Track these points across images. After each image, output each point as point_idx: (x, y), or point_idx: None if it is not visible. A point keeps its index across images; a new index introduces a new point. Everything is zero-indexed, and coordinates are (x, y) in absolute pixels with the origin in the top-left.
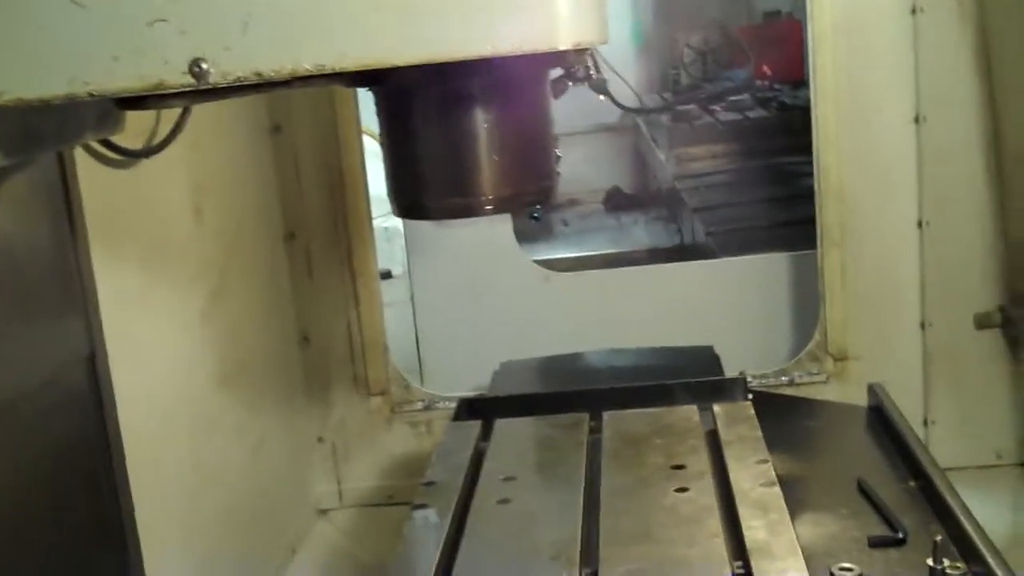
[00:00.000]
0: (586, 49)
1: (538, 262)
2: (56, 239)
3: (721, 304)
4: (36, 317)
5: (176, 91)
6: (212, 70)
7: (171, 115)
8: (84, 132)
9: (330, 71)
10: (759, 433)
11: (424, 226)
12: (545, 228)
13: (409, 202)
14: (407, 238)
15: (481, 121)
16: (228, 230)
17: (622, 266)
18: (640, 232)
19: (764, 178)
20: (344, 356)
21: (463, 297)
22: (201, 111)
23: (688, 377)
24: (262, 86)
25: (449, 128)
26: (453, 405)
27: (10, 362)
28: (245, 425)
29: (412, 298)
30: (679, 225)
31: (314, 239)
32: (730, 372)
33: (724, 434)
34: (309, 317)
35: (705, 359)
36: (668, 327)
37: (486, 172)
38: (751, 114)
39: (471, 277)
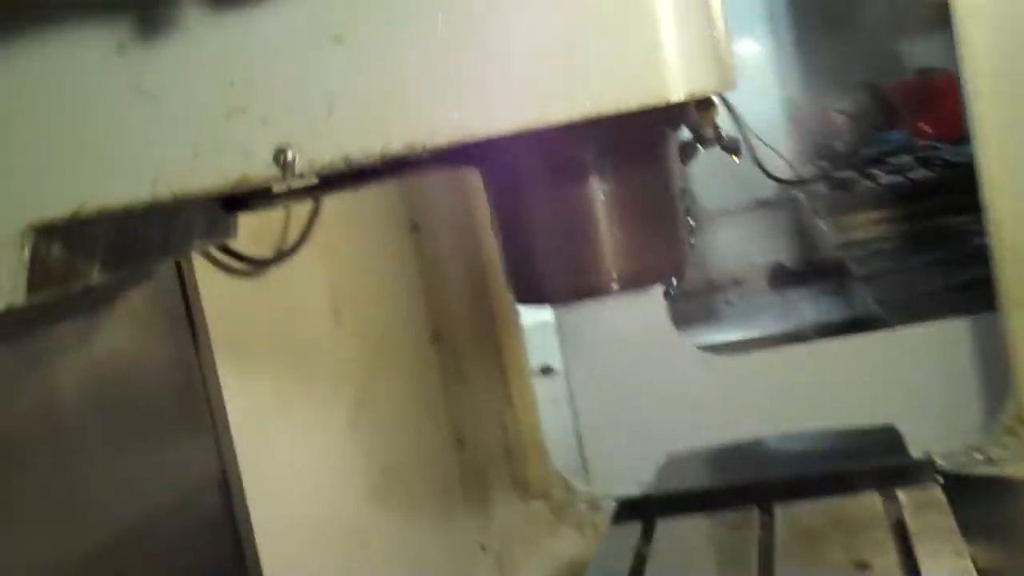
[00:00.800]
0: (711, 105)
1: (702, 347)
2: (179, 355)
3: (898, 377)
4: (162, 439)
5: (277, 190)
6: (298, 158)
7: (300, 218)
8: (191, 240)
9: (422, 150)
10: (952, 522)
11: (576, 318)
12: (707, 310)
13: (526, 286)
14: (559, 331)
15: (597, 192)
16: (371, 333)
17: (792, 343)
18: (807, 307)
19: (933, 240)
20: (501, 458)
21: (623, 389)
22: (334, 212)
23: (868, 460)
24: (361, 177)
25: (561, 202)
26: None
27: (138, 486)
28: (402, 537)
29: (570, 393)
30: (848, 297)
31: (461, 338)
32: (914, 452)
33: (913, 524)
34: (462, 419)
35: (886, 439)
36: (842, 406)
37: (607, 248)
38: (912, 175)
39: (629, 367)
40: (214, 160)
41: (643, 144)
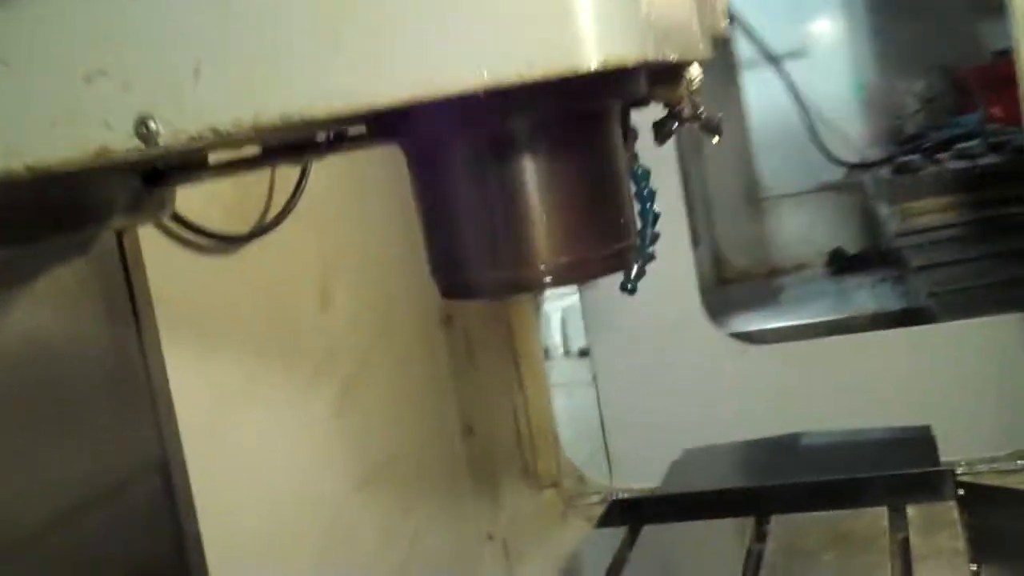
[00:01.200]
0: (680, 76)
1: (753, 332)
2: (115, 335)
3: (943, 374)
4: (89, 424)
5: (213, 162)
6: (162, 130)
7: (286, 190)
8: (109, 216)
9: (299, 121)
10: (962, 544)
11: (603, 300)
12: (760, 297)
13: (449, 279)
14: (584, 315)
15: (524, 172)
16: (366, 316)
17: (842, 334)
18: (864, 296)
19: (995, 231)
20: (511, 447)
21: (650, 376)
22: (328, 183)
23: (891, 467)
24: (299, 149)
25: (484, 183)
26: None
27: (59, 473)
28: (396, 528)
29: (595, 379)
30: (904, 287)
31: (473, 321)
32: (953, 456)
33: (917, 545)
34: (472, 405)
35: (917, 443)
36: (882, 403)
37: (536, 236)
38: (981, 161)
39: (658, 353)
40: (72, 130)
41: (580, 119)
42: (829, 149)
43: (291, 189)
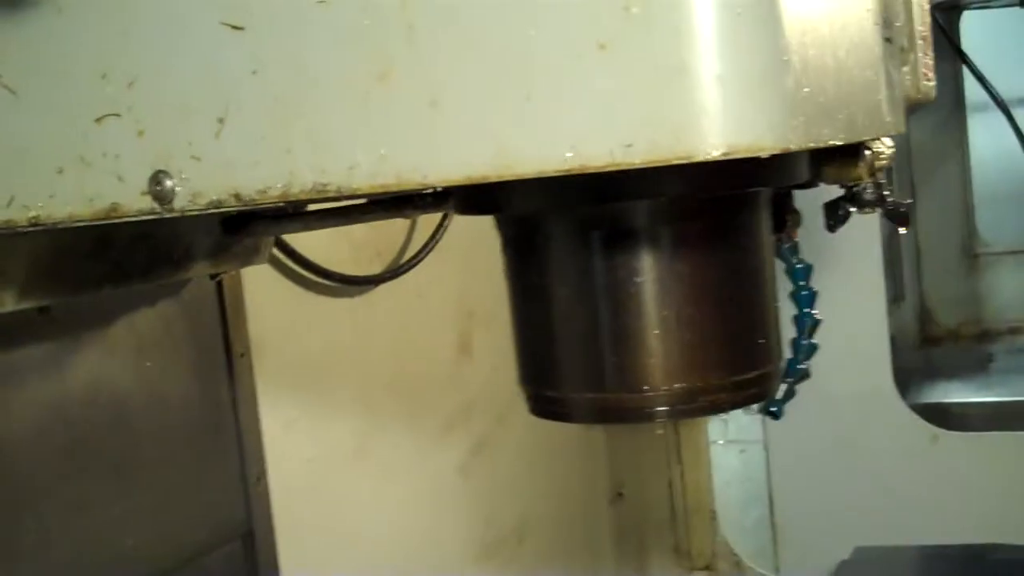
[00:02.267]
0: (860, 156)
1: (951, 405)
2: (203, 387)
3: None
4: (170, 483)
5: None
6: (179, 189)
7: (428, 224)
8: (189, 264)
9: (335, 193)
10: None
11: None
12: (967, 363)
13: (538, 394)
14: None
15: (643, 274)
16: (508, 366)
17: None
18: None
19: None
20: (663, 518)
21: (828, 451)
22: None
23: None
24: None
25: (588, 284)
26: None
27: (135, 536)
28: None
29: (766, 449)
30: None
31: None
32: None
33: None
34: (624, 469)
35: None
36: None
37: (649, 355)
38: None
39: (839, 427)
40: (80, 180)
41: (713, 208)
42: None
43: (434, 224)
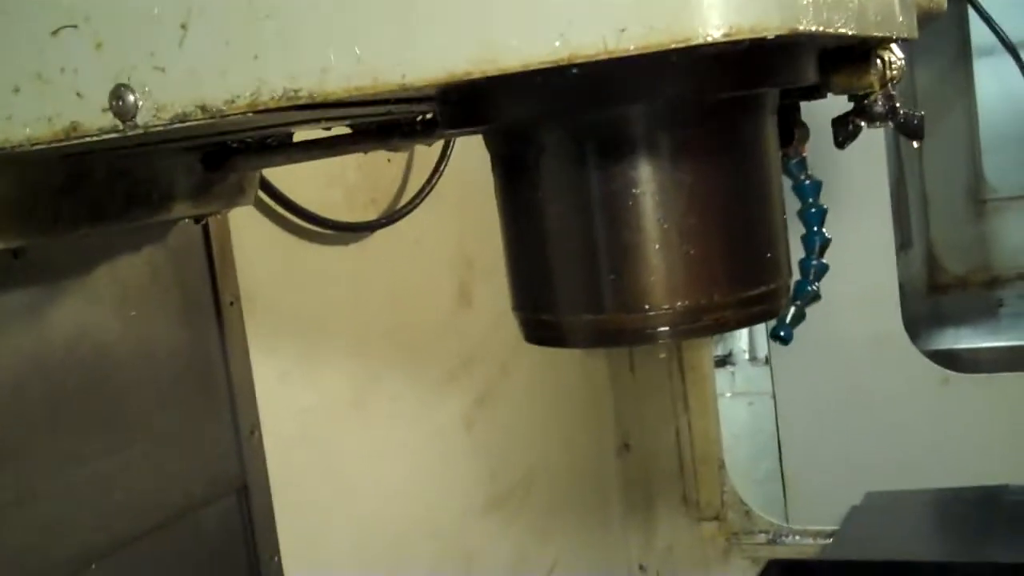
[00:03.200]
0: (869, 62)
1: (961, 351)
2: (191, 336)
3: None
4: (158, 437)
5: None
6: (142, 104)
7: (425, 168)
8: (169, 204)
9: (307, 99)
10: None
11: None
12: (976, 309)
13: (534, 321)
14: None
15: (636, 184)
16: (511, 315)
17: None
18: None
19: None
20: (672, 470)
21: (836, 398)
22: (479, 161)
23: None
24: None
25: (583, 198)
26: (803, 541)
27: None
28: (528, 555)
29: (774, 398)
30: None
31: None
32: None
33: None
34: (630, 420)
35: None
36: None
37: (650, 272)
38: None
39: (848, 374)
40: (37, 98)
41: (715, 112)
42: None
43: (430, 169)
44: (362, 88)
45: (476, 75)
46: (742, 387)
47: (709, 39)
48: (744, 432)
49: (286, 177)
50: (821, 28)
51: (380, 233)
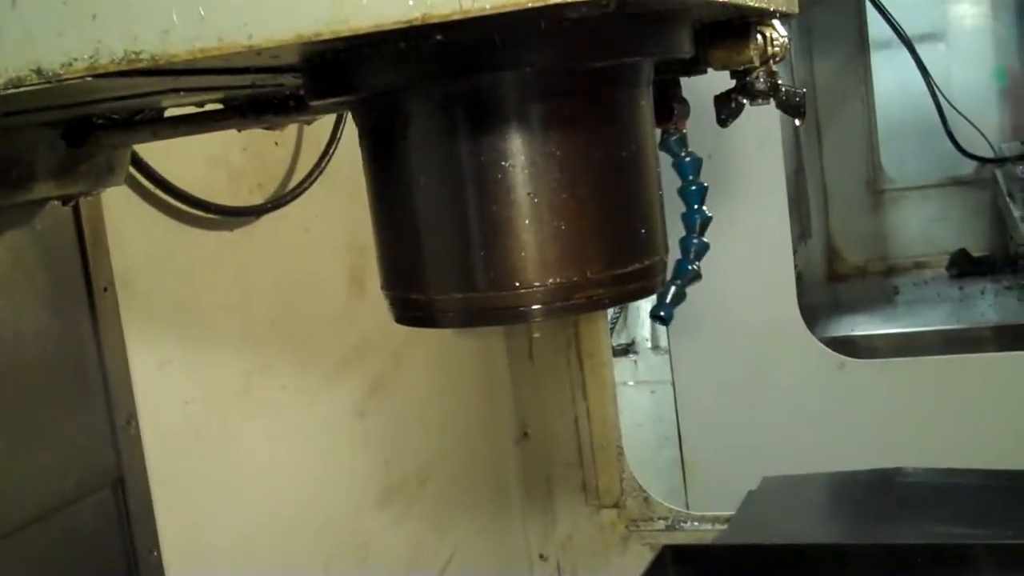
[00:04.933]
0: (747, 35)
1: (858, 338)
2: (62, 324)
3: None
4: (28, 429)
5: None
6: None
7: (315, 150)
8: (29, 184)
9: (149, 62)
10: None
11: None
12: (873, 297)
13: (403, 301)
14: None
15: (506, 156)
16: None
17: (960, 346)
18: (987, 305)
19: None
20: (571, 458)
21: (735, 384)
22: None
23: (1006, 524)
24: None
25: (452, 171)
26: (702, 527)
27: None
28: (425, 547)
29: (673, 385)
30: None
31: None
32: None
33: None
34: (529, 408)
35: None
36: (1001, 440)
37: (521, 248)
38: None
39: (745, 360)
40: None
41: (587, 81)
42: (960, 141)
43: (320, 151)
44: (207, 50)
45: (327, 36)
46: (645, 375)
47: None
48: (647, 420)
49: (167, 159)
50: None
51: (267, 218)
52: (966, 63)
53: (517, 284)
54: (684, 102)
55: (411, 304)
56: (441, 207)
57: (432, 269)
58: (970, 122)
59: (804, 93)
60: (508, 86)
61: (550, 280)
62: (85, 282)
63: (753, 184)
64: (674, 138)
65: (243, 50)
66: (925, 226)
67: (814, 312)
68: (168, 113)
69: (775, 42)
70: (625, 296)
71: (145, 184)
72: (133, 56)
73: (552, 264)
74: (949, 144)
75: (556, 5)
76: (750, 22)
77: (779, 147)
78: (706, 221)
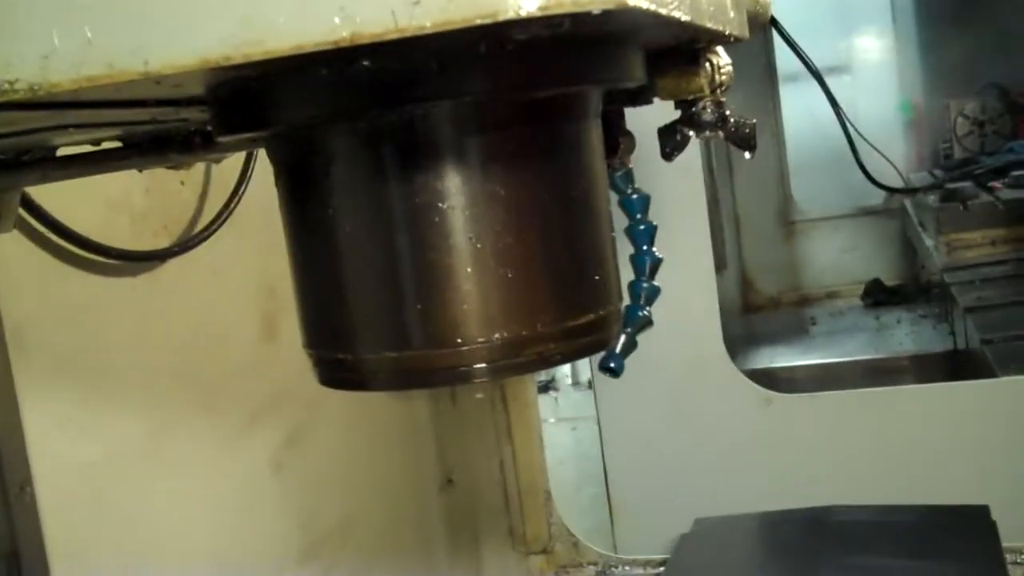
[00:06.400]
0: (698, 64)
1: (777, 370)
2: None
3: (1004, 439)
4: None
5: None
6: None
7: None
8: None
9: (27, 93)
10: None
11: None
12: (789, 328)
13: (329, 361)
14: None
15: (444, 198)
16: None
17: (880, 376)
18: (903, 334)
19: None
20: (497, 503)
21: (662, 422)
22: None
23: (939, 556)
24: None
25: (383, 217)
26: (633, 572)
27: None
28: None
29: (599, 423)
30: (951, 327)
31: None
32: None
33: None
34: (453, 454)
35: (972, 526)
36: (930, 473)
37: (463, 301)
38: None
39: (672, 397)
40: None
41: (533, 114)
42: (870, 172)
43: (229, 191)
44: (95, 78)
45: (238, 60)
46: (565, 412)
47: (523, 13)
48: (568, 457)
49: (62, 201)
50: (653, 7)
51: (173, 263)
52: (871, 96)
53: (459, 340)
54: (629, 135)
55: (338, 365)
56: (370, 255)
57: (361, 326)
58: (881, 153)
59: (754, 124)
60: (445, 118)
61: (496, 335)
62: None
63: (676, 217)
64: (619, 173)
65: (138, 78)
66: (836, 256)
67: (732, 344)
68: (61, 152)
69: (722, 70)
70: (579, 351)
71: (39, 228)
72: (7, 86)
73: (497, 317)
74: (858, 175)
75: (506, 22)
76: (699, 48)
77: (700, 178)
78: (656, 263)
